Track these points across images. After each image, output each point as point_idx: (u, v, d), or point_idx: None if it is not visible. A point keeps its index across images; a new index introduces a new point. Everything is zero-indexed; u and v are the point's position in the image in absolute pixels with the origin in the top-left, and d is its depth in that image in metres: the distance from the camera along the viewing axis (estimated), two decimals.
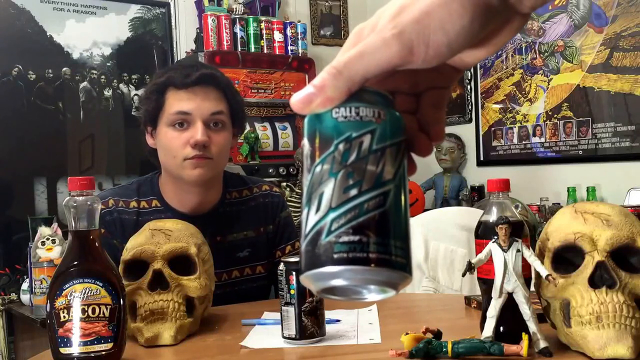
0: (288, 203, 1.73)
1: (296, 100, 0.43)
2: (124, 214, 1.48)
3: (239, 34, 3.44)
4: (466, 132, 3.62)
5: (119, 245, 1.44)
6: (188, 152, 1.43)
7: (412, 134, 0.46)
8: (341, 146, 0.42)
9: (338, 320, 1.21)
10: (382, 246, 0.41)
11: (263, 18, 3.53)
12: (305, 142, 0.44)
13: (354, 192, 0.41)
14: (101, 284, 0.95)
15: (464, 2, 0.40)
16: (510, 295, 0.92)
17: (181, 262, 1.16)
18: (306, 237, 0.42)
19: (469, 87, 3.59)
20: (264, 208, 1.60)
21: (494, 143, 3.50)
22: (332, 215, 0.41)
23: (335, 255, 0.40)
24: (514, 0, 0.42)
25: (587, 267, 0.89)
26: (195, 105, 1.43)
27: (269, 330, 1.18)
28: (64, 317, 0.93)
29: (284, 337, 1.10)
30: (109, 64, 3.39)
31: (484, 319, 0.95)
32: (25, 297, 2.73)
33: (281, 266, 1.11)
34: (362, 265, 0.40)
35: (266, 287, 1.63)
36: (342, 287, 0.42)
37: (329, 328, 1.13)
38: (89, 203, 0.96)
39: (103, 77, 3.37)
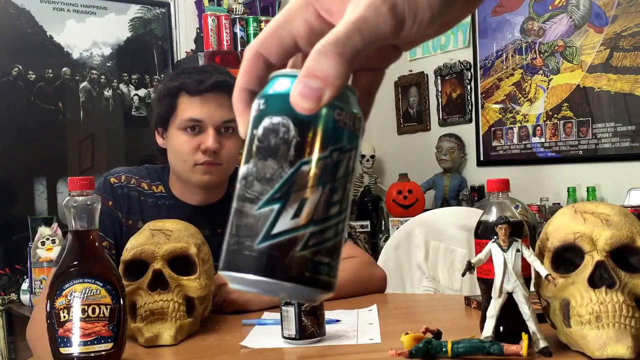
0: None
1: (302, 98, 0.37)
2: (133, 191, 1.50)
3: (239, 34, 3.44)
4: (466, 132, 3.62)
5: (122, 219, 1.47)
6: (198, 158, 1.44)
7: None
8: (335, 155, 0.38)
9: (338, 320, 1.21)
10: (337, 270, 0.39)
11: (263, 18, 3.53)
12: (291, 125, 0.38)
13: (334, 209, 0.38)
14: (101, 284, 0.95)
15: None
16: (510, 295, 0.92)
17: (181, 262, 1.16)
18: (272, 237, 0.37)
19: (469, 87, 3.59)
20: None
21: (494, 143, 3.50)
22: (313, 228, 0.37)
23: (307, 274, 0.37)
24: None
25: (587, 267, 0.89)
26: (207, 113, 1.44)
27: (269, 330, 1.18)
28: (64, 317, 0.93)
29: (284, 337, 1.10)
30: (109, 64, 3.40)
31: (483, 318, 0.96)
32: (25, 297, 2.73)
33: None
34: (320, 289, 0.38)
35: None
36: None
37: (328, 328, 1.13)
38: (89, 203, 0.96)
39: (103, 77, 3.37)
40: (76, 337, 0.93)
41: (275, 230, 0.37)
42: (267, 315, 1.30)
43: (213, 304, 1.29)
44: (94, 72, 3.34)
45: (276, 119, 0.38)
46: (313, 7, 0.40)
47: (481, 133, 3.57)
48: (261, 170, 0.38)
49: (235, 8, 3.52)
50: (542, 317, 0.98)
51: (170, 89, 1.47)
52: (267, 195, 0.37)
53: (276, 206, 0.37)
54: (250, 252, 0.37)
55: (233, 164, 1.54)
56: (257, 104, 0.40)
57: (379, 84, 0.44)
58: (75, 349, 0.93)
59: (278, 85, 0.39)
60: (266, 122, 0.38)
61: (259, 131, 0.39)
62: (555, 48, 3.19)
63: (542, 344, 0.90)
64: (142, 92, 3.47)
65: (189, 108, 1.45)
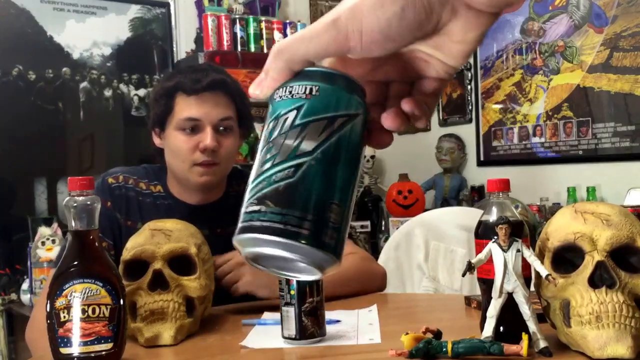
0: None
1: (254, 85, 0.45)
2: (131, 191, 1.50)
3: (239, 34, 3.44)
4: (466, 132, 3.62)
5: (120, 219, 1.47)
6: (197, 157, 1.44)
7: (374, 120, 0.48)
8: (271, 124, 0.44)
9: (338, 321, 1.21)
10: (282, 216, 0.41)
11: (263, 18, 3.53)
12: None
13: (267, 165, 0.43)
14: (101, 284, 0.95)
15: None
16: (510, 295, 0.92)
17: (181, 262, 1.16)
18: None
19: (469, 87, 3.59)
20: None
21: (494, 143, 3.50)
22: (250, 187, 0.44)
23: (240, 224, 0.43)
24: None
25: (587, 267, 0.89)
26: (204, 112, 1.44)
27: (269, 330, 1.18)
28: (64, 317, 0.93)
29: (284, 337, 1.10)
30: (109, 64, 3.39)
31: (484, 319, 0.95)
32: (25, 297, 2.73)
33: None
34: (262, 233, 0.41)
35: None
36: (264, 257, 0.43)
37: (329, 328, 1.13)
38: (88, 203, 0.96)
39: (103, 77, 3.37)
40: (76, 337, 0.93)
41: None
42: (267, 315, 1.30)
43: (224, 282, 1.31)
44: (94, 72, 3.34)
45: None
46: None
47: (481, 133, 3.57)
48: None
49: (235, 8, 3.52)
50: (542, 317, 0.98)
51: (166, 88, 1.47)
52: None
53: None
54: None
55: (231, 163, 1.53)
56: None
57: (439, 89, 0.49)
58: (75, 349, 0.93)
59: None
60: None
61: None
62: (556, 48, 3.19)
63: (542, 344, 0.90)
64: (142, 92, 3.47)
65: (186, 107, 1.45)
